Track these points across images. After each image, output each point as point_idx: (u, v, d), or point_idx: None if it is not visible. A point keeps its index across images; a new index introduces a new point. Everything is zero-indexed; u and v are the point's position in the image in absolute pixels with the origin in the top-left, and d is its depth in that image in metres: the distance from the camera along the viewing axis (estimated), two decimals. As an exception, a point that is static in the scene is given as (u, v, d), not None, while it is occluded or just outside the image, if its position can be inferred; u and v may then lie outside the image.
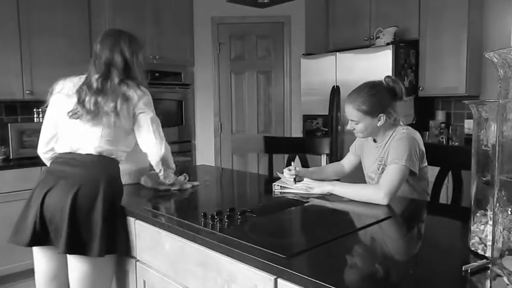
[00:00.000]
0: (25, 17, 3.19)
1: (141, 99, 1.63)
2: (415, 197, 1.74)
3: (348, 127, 1.78)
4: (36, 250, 1.60)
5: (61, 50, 3.35)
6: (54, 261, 1.59)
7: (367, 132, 1.75)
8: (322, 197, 1.66)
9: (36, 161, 1.66)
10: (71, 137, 1.61)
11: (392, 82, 1.72)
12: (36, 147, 1.74)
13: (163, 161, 1.67)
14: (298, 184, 1.76)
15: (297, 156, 2.61)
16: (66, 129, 1.62)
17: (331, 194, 1.67)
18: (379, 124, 1.71)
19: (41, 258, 1.60)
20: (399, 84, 1.72)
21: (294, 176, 1.80)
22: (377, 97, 1.68)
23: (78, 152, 1.59)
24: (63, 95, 1.63)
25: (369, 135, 1.79)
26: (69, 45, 3.40)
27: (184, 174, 1.95)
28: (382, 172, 1.69)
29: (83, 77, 1.65)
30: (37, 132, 1.75)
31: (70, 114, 1.58)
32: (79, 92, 1.59)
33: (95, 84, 1.58)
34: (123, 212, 1.57)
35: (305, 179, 1.80)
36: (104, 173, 1.56)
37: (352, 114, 1.72)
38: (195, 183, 1.95)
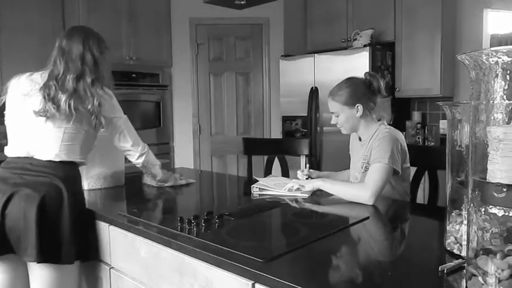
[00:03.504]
0: (-5, 14, 3.08)
1: (111, 103, 1.63)
2: (395, 197, 1.75)
3: (332, 121, 1.82)
4: None
5: (33, 49, 3.24)
6: (9, 273, 1.51)
7: (348, 125, 1.78)
8: (302, 198, 1.66)
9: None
10: (27, 140, 1.52)
11: (369, 76, 1.77)
12: None
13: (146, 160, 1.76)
14: (289, 184, 1.74)
15: (305, 158, 2.53)
16: (20, 131, 1.54)
17: (312, 195, 1.67)
18: (358, 115, 1.74)
19: None
20: (376, 78, 1.76)
21: (307, 176, 1.87)
22: (352, 87, 1.75)
23: (35, 157, 1.50)
24: (18, 93, 1.54)
25: (352, 129, 1.80)
26: (42, 45, 3.28)
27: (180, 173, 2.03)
28: (366, 171, 1.70)
29: (45, 73, 1.56)
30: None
31: (40, 113, 1.48)
32: (47, 88, 1.49)
33: (70, 84, 1.51)
34: (94, 217, 1.52)
35: (293, 179, 1.81)
36: (65, 179, 1.49)
37: (332, 106, 1.78)
38: (191, 180, 2.03)
